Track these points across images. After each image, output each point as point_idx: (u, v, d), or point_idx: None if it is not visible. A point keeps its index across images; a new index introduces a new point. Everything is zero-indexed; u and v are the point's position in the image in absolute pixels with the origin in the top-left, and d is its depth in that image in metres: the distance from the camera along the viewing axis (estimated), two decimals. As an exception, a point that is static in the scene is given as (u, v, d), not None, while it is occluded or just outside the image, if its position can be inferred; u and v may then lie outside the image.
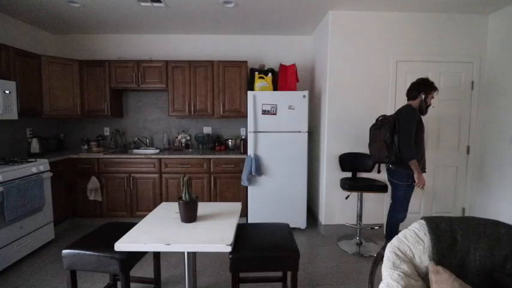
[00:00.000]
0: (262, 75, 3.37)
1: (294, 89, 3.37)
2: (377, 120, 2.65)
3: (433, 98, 2.49)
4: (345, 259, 2.74)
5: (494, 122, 3.08)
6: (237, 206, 2.11)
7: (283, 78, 3.43)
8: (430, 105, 2.50)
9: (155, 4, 2.91)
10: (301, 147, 3.27)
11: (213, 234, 1.60)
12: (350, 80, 3.16)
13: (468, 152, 3.29)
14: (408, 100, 2.57)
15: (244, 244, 1.79)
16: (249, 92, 3.24)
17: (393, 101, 3.19)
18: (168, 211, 1.98)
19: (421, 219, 1.40)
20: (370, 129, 2.69)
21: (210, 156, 3.41)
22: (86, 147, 3.82)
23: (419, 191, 3.29)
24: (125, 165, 3.43)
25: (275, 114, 3.23)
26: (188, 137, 3.95)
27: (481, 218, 1.35)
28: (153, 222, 1.79)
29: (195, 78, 3.63)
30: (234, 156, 3.41)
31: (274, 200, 3.32)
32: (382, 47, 3.14)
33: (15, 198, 2.50)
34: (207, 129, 4.04)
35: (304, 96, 3.22)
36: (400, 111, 2.50)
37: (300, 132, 3.26)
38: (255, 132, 3.25)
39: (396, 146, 2.43)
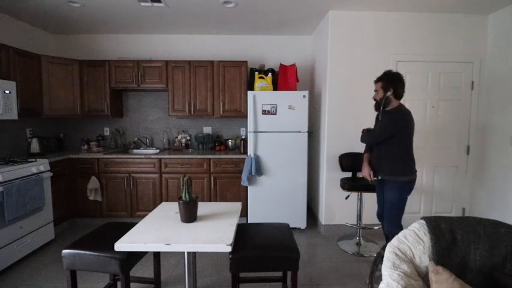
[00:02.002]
0: (262, 75, 3.37)
1: (294, 89, 3.37)
2: None
3: (375, 91, 2.34)
4: (345, 259, 2.74)
5: (494, 122, 3.08)
6: (237, 206, 2.11)
7: (283, 78, 3.43)
8: (375, 99, 2.36)
9: (155, 4, 2.91)
10: (301, 147, 3.27)
11: (213, 234, 1.60)
12: (350, 80, 3.16)
13: (468, 152, 3.29)
14: None
15: (244, 244, 1.79)
16: (249, 92, 3.24)
17: (393, 101, 3.19)
18: (168, 211, 1.98)
19: (421, 219, 1.40)
20: None
21: (210, 156, 3.41)
22: (85, 147, 3.82)
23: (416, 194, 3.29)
24: (124, 165, 3.43)
25: (275, 114, 3.23)
26: (188, 137, 3.95)
27: (481, 218, 1.35)
28: (153, 222, 1.79)
29: (195, 78, 3.63)
30: (234, 156, 3.41)
31: (274, 200, 3.32)
32: (382, 47, 3.14)
33: (15, 198, 2.50)
34: (207, 129, 4.04)
35: (304, 96, 3.22)
36: None
37: (300, 132, 3.26)
38: (255, 132, 3.25)
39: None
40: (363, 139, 2.45)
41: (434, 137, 3.26)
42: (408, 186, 2.26)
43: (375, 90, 2.33)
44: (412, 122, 2.24)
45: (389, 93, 2.21)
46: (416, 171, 2.29)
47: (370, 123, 3.23)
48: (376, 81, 2.33)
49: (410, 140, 2.26)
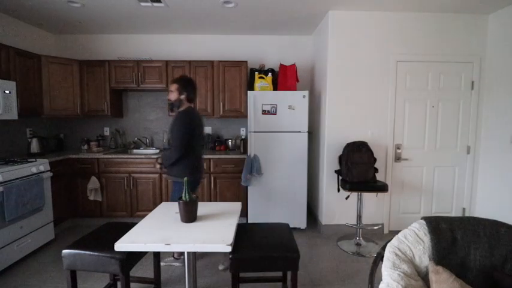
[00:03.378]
0: (262, 75, 3.37)
1: (294, 89, 3.37)
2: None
3: (170, 91, 2.44)
4: (345, 259, 2.74)
5: (494, 122, 3.08)
6: (237, 206, 2.11)
7: (283, 78, 3.43)
8: (169, 99, 2.46)
9: (155, 4, 2.91)
10: (301, 147, 3.27)
11: (213, 234, 1.60)
12: (350, 80, 3.16)
13: (468, 152, 3.29)
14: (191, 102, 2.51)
15: (244, 244, 1.79)
16: (249, 92, 3.24)
17: (393, 101, 3.19)
18: (168, 211, 1.98)
19: (421, 219, 1.40)
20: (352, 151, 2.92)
21: (210, 156, 3.41)
22: (85, 147, 3.82)
23: (416, 192, 3.29)
24: (124, 165, 3.43)
25: (275, 114, 3.23)
26: (188, 137, 3.95)
27: (481, 218, 1.34)
28: (153, 222, 1.78)
29: (195, 78, 3.63)
30: (234, 156, 3.41)
31: (274, 200, 3.32)
32: (382, 47, 3.14)
33: (15, 198, 2.50)
34: (207, 129, 4.04)
35: (304, 96, 3.22)
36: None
37: (300, 132, 3.26)
38: (255, 132, 3.25)
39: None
40: (171, 158, 2.35)
41: (434, 137, 3.26)
42: (191, 185, 2.33)
43: (170, 91, 2.45)
44: (199, 124, 2.43)
45: (182, 97, 2.41)
46: (200, 172, 2.51)
47: (370, 123, 3.25)
48: (172, 83, 2.45)
49: (196, 140, 2.43)
